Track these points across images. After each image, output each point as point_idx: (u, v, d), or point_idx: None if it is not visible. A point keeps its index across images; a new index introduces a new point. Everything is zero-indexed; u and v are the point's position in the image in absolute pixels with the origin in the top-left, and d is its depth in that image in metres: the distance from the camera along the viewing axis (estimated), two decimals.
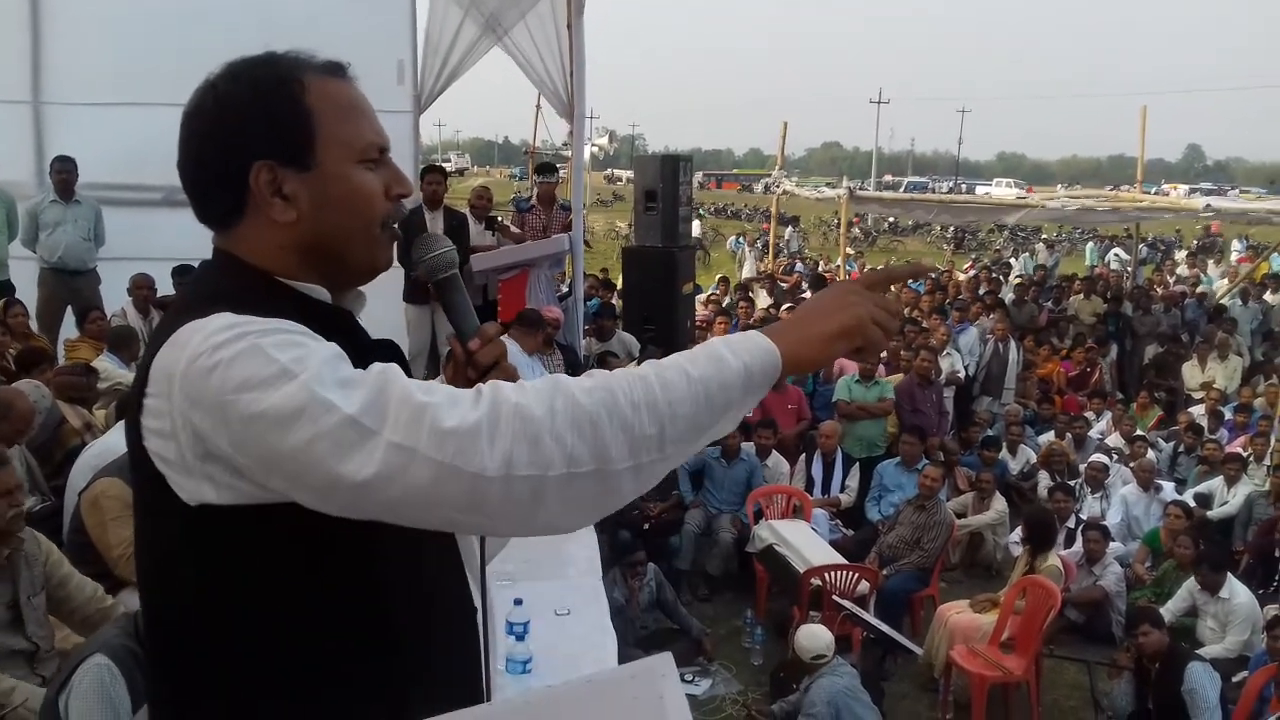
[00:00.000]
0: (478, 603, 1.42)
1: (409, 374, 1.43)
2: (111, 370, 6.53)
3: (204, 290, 1.26)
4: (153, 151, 7.65)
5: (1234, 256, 25.06)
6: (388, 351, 1.38)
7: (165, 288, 7.81)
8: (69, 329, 7.67)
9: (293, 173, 1.25)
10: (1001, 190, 46.82)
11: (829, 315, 1.23)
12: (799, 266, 20.13)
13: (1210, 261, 23.51)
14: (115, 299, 7.79)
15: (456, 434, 1.05)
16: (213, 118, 1.26)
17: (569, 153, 12.83)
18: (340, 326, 1.29)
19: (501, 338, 1.39)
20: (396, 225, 1.35)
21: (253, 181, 1.24)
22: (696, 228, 22.77)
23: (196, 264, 5.75)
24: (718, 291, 14.81)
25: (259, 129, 1.24)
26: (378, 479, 1.05)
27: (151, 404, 1.16)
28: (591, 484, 1.09)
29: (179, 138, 1.29)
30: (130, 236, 8.07)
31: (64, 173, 7.76)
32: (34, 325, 7.48)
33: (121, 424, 5.16)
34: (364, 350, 1.28)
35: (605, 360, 8.53)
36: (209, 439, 1.11)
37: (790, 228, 27.41)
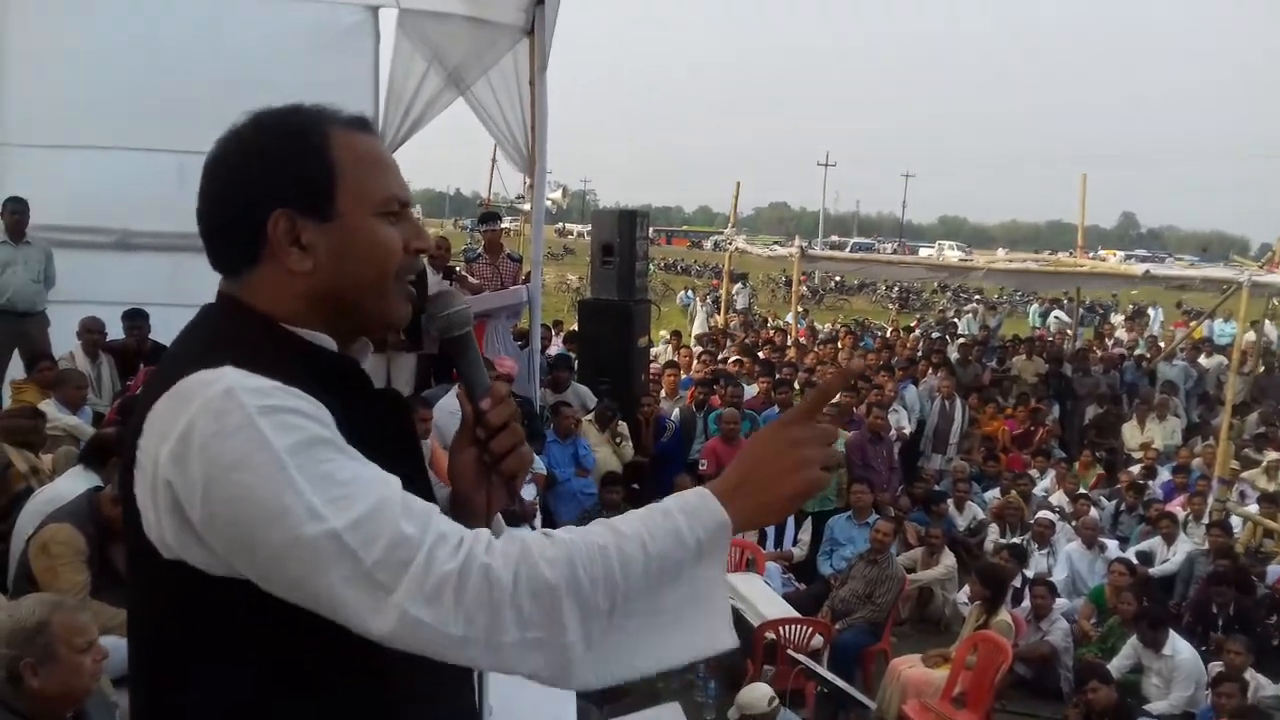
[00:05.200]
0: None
1: (407, 425, 1.45)
2: (56, 415, 6.40)
3: (208, 336, 1.25)
4: (105, 194, 7.74)
5: (1155, 324, 25.86)
6: (392, 403, 1.40)
7: (115, 332, 7.71)
8: (15, 371, 7.51)
9: (312, 222, 1.25)
10: (948, 254, 47.71)
11: (784, 476, 1.21)
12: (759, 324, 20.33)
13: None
14: (64, 342, 7.64)
15: (428, 584, 1.06)
16: (235, 164, 1.26)
17: (523, 205, 12.90)
18: (345, 375, 1.29)
19: (454, 389, 1.41)
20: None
21: (270, 229, 1.24)
22: None
23: (147, 308, 5.72)
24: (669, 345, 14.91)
25: (280, 177, 1.24)
26: (344, 603, 1.07)
27: (140, 456, 1.15)
28: (542, 652, 1.10)
29: (201, 182, 1.28)
30: (81, 279, 7.95)
31: (16, 214, 7.65)
32: None
33: (74, 470, 5.07)
34: (368, 400, 1.30)
35: (559, 411, 8.54)
36: (184, 505, 1.10)
37: (740, 284, 27.63)
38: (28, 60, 7.83)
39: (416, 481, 1.34)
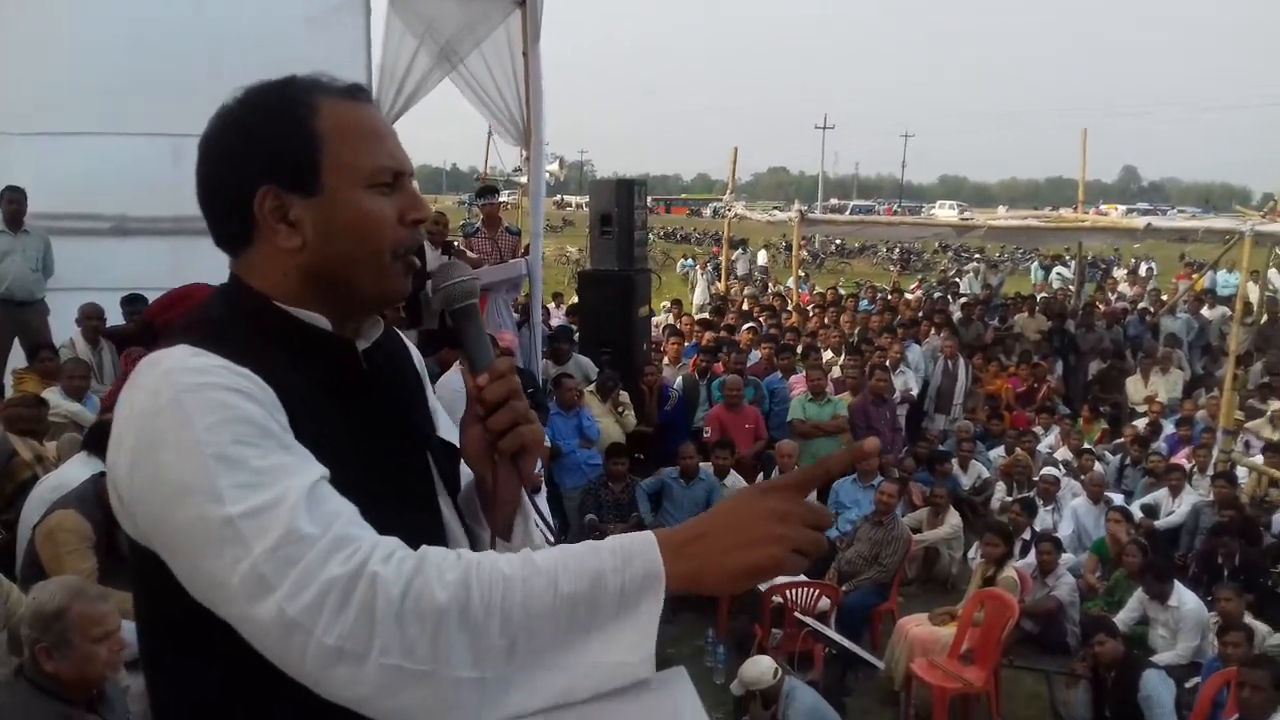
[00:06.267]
0: None
1: (402, 406, 1.38)
2: (58, 403, 6.43)
3: (193, 315, 1.25)
4: (101, 180, 7.73)
5: (1143, 270, 26.04)
6: (388, 381, 1.36)
7: (115, 317, 7.72)
8: (17, 360, 7.53)
9: (298, 198, 1.22)
10: (945, 212, 47.56)
11: (744, 548, 1.06)
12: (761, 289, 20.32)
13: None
14: (64, 329, 7.66)
15: (313, 588, 0.98)
16: (220, 142, 1.24)
17: (520, 178, 12.85)
18: (336, 355, 1.27)
19: (455, 367, 1.37)
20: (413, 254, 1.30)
21: (257, 207, 1.22)
22: None
23: (146, 294, 5.73)
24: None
25: (263, 153, 1.21)
26: (226, 591, 1.01)
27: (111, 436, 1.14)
28: (425, 685, 0.99)
29: (196, 162, 1.27)
30: (79, 266, 7.95)
31: (14, 202, 7.64)
32: None
33: (78, 457, 5.10)
34: (355, 383, 1.27)
35: (561, 383, 8.55)
36: (117, 483, 1.11)
37: (740, 250, 27.61)
38: (17, 48, 7.80)
39: (410, 469, 1.33)
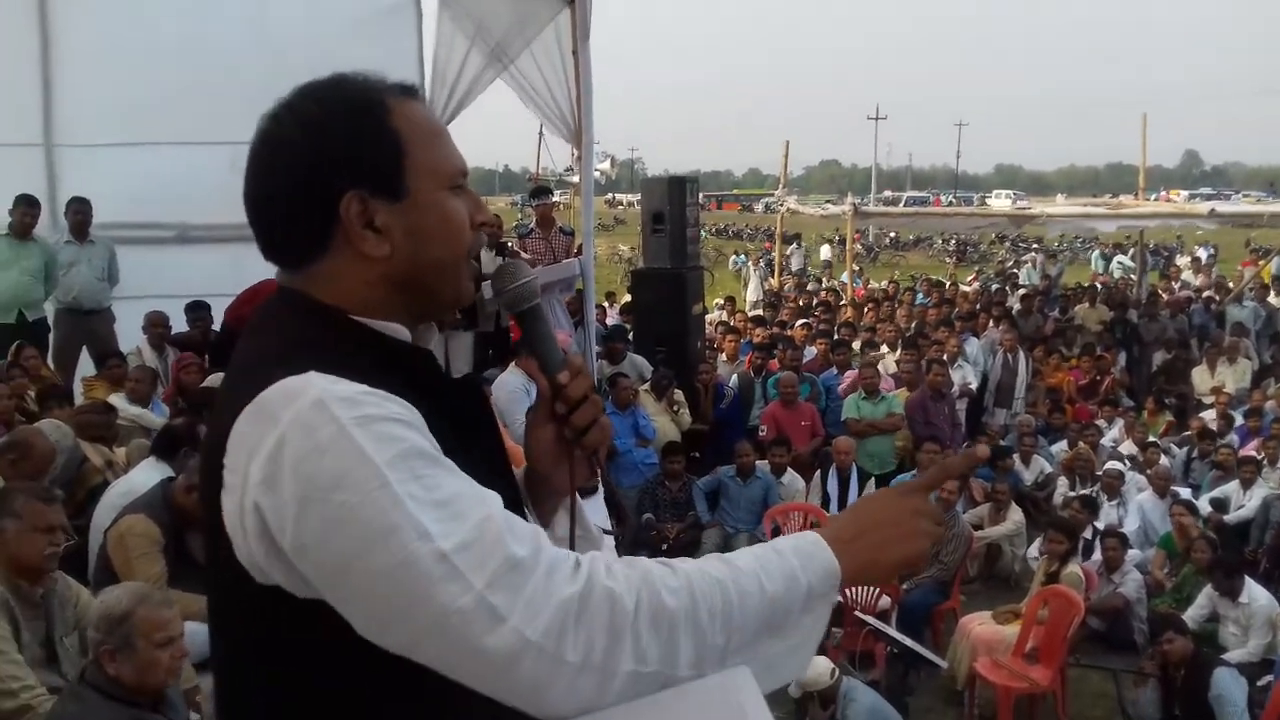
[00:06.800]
0: None
1: (488, 415, 1.37)
2: (126, 408, 6.57)
3: (281, 338, 1.15)
4: (163, 189, 7.88)
5: (1203, 256, 25.45)
6: (470, 390, 1.34)
7: (179, 324, 7.88)
8: (85, 368, 7.71)
9: (383, 203, 1.16)
10: (999, 203, 46.91)
11: (899, 541, 1.18)
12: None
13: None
14: (130, 337, 7.83)
15: (548, 610, 0.99)
16: (296, 145, 1.15)
17: (572, 178, 12.90)
18: (421, 368, 1.21)
19: (511, 367, 1.35)
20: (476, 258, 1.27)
21: (343, 213, 1.15)
22: None
23: (208, 300, 5.82)
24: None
25: (348, 156, 1.15)
26: (455, 629, 0.98)
27: (227, 477, 1.06)
28: (649, 684, 1.03)
29: (249, 169, 1.19)
30: (143, 274, 8.13)
31: (80, 213, 7.82)
32: (50, 365, 7.53)
33: (146, 462, 5.21)
34: (446, 392, 1.24)
35: (616, 382, 8.57)
36: (272, 528, 1.02)
37: (795, 245, 27.45)
38: (78, 61, 8.01)
39: (503, 476, 1.31)
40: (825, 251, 29.54)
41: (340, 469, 0.99)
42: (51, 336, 7.91)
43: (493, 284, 1.34)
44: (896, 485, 1.30)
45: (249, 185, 1.19)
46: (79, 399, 6.92)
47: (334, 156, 1.14)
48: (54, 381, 6.89)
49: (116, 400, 6.53)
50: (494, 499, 1.06)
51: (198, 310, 7.84)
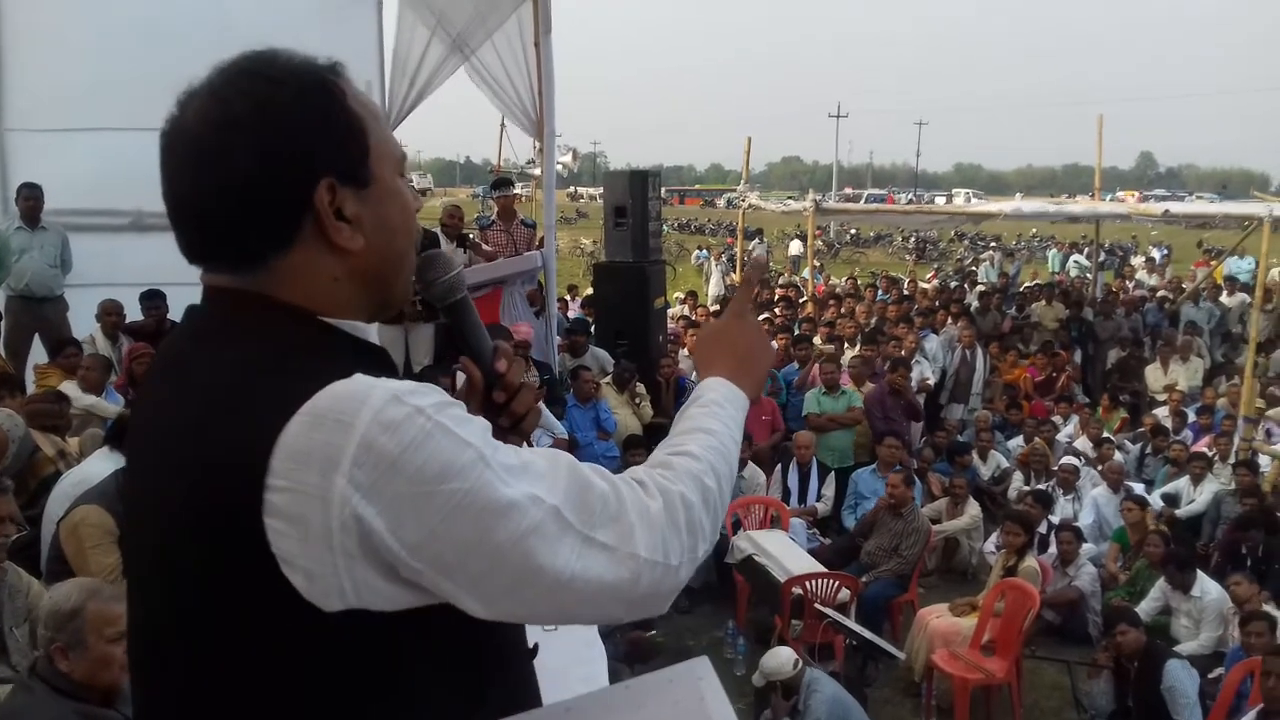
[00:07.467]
0: (531, 642, 1.33)
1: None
2: (79, 397, 6.45)
3: (262, 345, 1.04)
4: (118, 176, 7.74)
5: (1157, 256, 26.01)
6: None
7: (134, 313, 7.75)
8: (37, 356, 7.57)
9: (350, 190, 1.07)
10: (961, 201, 47.33)
11: (766, 353, 1.40)
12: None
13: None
14: (83, 325, 7.70)
15: (653, 528, 1.09)
16: (256, 129, 1.03)
17: (534, 170, 12.84)
18: (389, 368, 1.13)
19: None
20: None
21: (318, 203, 1.04)
22: None
23: (164, 289, 5.74)
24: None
25: (318, 140, 1.05)
26: (579, 576, 1.03)
27: (280, 499, 0.94)
28: (694, 564, 1.15)
29: (185, 158, 1.06)
30: (97, 262, 8.02)
31: (30, 199, 7.68)
32: (1, 353, 7.39)
33: (99, 452, 5.12)
34: None
35: (578, 375, 8.55)
36: (378, 535, 0.94)
37: (756, 240, 27.54)
38: (29, 45, 7.85)
39: None
40: (795, 247, 29.63)
41: (444, 458, 0.97)
42: (2, 324, 7.76)
43: (419, 275, 1.27)
44: (731, 308, 1.44)
45: (187, 176, 1.06)
46: (30, 388, 6.80)
47: (305, 140, 1.04)
48: (5, 369, 6.76)
49: (69, 389, 6.41)
50: (561, 451, 1.15)
51: (153, 299, 7.73)
